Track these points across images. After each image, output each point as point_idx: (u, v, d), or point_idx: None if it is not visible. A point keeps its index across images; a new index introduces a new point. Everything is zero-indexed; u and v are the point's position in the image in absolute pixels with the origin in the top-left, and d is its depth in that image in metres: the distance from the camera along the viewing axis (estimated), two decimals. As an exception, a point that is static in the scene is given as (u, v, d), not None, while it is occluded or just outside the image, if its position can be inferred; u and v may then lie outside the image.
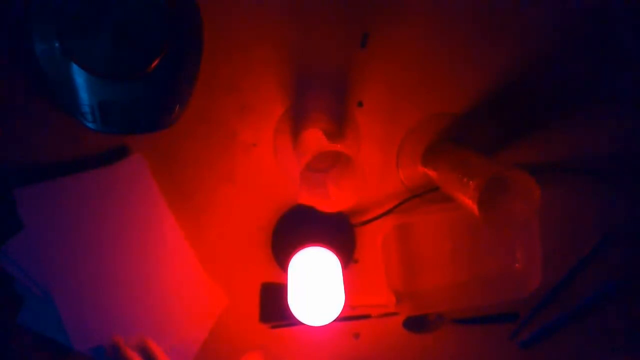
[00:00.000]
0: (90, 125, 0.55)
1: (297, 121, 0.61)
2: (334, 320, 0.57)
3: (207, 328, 0.65)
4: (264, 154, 0.62)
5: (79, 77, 0.52)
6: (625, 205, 0.67)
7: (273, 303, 0.66)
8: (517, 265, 0.68)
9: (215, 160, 0.61)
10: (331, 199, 0.54)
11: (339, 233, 0.65)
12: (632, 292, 0.70)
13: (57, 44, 0.51)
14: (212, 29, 0.57)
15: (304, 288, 0.58)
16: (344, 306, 0.57)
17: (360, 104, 0.61)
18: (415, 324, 0.69)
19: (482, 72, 0.61)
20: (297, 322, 0.57)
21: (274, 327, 0.68)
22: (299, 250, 0.60)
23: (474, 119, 0.62)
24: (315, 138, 0.56)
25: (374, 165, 0.63)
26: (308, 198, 0.52)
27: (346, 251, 0.65)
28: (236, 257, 0.65)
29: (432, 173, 0.60)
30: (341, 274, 0.60)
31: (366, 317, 0.68)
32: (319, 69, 0.60)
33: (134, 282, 0.61)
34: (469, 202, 0.48)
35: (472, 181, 0.49)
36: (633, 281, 0.69)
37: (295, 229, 0.64)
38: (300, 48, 0.59)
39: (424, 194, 0.64)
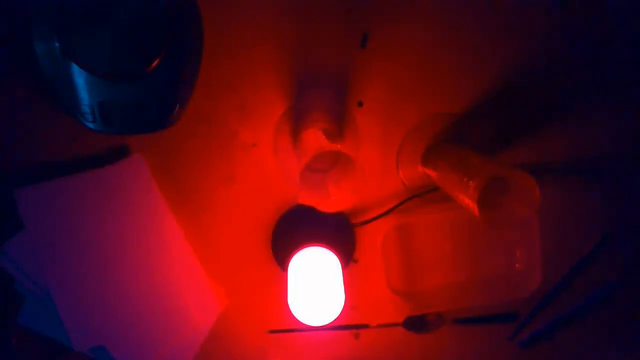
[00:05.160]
0: (90, 125, 0.55)
1: (297, 121, 0.61)
2: (332, 328, 0.57)
3: (207, 328, 0.65)
4: (264, 154, 0.62)
5: (79, 77, 0.52)
6: (625, 205, 0.67)
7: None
8: (517, 265, 0.68)
9: (215, 160, 0.61)
10: (331, 199, 0.54)
11: (339, 233, 0.65)
12: (631, 292, 0.70)
13: (57, 44, 0.51)
14: (212, 29, 0.57)
15: (304, 288, 0.58)
16: (343, 306, 0.57)
17: (360, 104, 0.61)
18: (415, 324, 0.69)
19: (482, 72, 0.61)
20: (296, 329, 0.57)
21: (272, 332, 0.68)
22: (299, 250, 0.60)
23: (474, 119, 0.62)
24: (315, 138, 0.56)
25: (374, 165, 0.63)
26: (308, 198, 0.52)
27: (346, 251, 0.65)
28: (236, 257, 0.65)
29: (432, 173, 0.60)
30: (341, 274, 0.60)
31: (364, 326, 0.68)
32: (319, 69, 0.60)
33: (134, 282, 0.61)
34: (469, 202, 0.48)
35: (472, 181, 0.49)
36: (633, 281, 0.69)
37: (295, 229, 0.64)
38: (300, 48, 0.59)
39: (424, 194, 0.64)
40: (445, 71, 0.61)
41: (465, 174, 0.51)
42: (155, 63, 0.52)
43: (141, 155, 0.60)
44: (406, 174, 0.64)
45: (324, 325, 0.57)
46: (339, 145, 0.50)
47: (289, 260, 0.60)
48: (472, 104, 0.62)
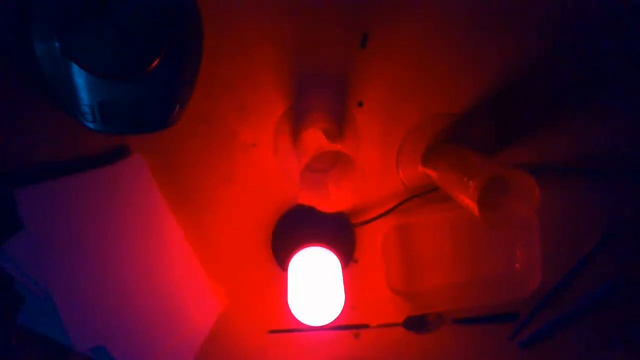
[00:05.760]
0: (90, 125, 0.55)
1: (297, 121, 0.61)
2: (332, 328, 0.57)
3: (207, 328, 0.65)
4: (264, 154, 0.62)
5: (79, 77, 0.52)
6: (625, 205, 0.67)
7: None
8: (517, 265, 0.68)
9: (215, 160, 0.61)
10: (331, 199, 0.54)
11: (339, 233, 0.65)
12: (631, 292, 0.70)
13: (57, 44, 0.51)
14: (212, 29, 0.57)
15: (304, 288, 0.58)
16: (343, 306, 0.57)
17: (360, 104, 0.61)
18: (415, 324, 0.69)
19: (482, 72, 0.61)
20: (296, 329, 0.57)
21: (272, 332, 0.68)
22: (299, 250, 0.60)
23: (474, 119, 0.62)
24: (315, 138, 0.56)
25: (374, 165, 0.63)
26: (308, 198, 0.52)
27: (346, 251, 0.65)
28: (236, 257, 0.65)
29: (432, 173, 0.60)
30: (341, 274, 0.60)
31: (364, 326, 0.68)
32: (319, 69, 0.60)
33: (134, 282, 0.61)
34: (469, 202, 0.48)
35: (472, 181, 0.49)
36: (633, 281, 0.69)
37: (295, 229, 0.64)
38: (300, 48, 0.59)
39: (424, 194, 0.64)
40: (445, 71, 0.61)
41: (465, 174, 0.51)
42: (155, 63, 0.52)
43: (141, 155, 0.60)
44: (406, 174, 0.64)
45: (324, 325, 0.57)
46: (339, 145, 0.50)
47: (289, 260, 0.60)
48: (472, 104, 0.62)
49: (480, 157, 0.54)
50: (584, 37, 0.61)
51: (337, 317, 0.57)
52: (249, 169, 0.62)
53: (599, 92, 0.63)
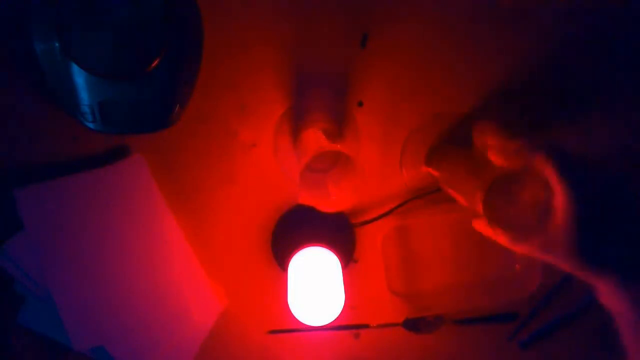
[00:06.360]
0: (90, 125, 0.55)
1: (297, 121, 0.61)
2: (332, 328, 0.57)
3: (207, 328, 0.65)
4: (264, 154, 0.62)
5: (79, 77, 0.52)
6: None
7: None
8: (517, 265, 0.68)
9: (215, 160, 0.61)
10: (331, 199, 0.54)
11: (339, 233, 0.65)
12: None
13: (57, 44, 0.51)
14: (212, 29, 0.57)
15: (304, 288, 0.58)
16: (343, 306, 0.57)
17: (360, 104, 0.61)
18: (415, 324, 0.69)
19: (483, 72, 0.61)
20: (296, 329, 0.57)
21: (272, 332, 0.68)
22: (299, 250, 0.60)
23: (477, 118, 0.62)
24: (315, 138, 0.56)
25: (374, 166, 0.63)
26: (308, 198, 0.52)
27: (346, 251, 0.65)
28: (236, 257, 0.65)
29: (435, 173, 0.60)
30: (341, 274, 0.60)
31: (364, 326, 0.68)
32: (319, 69, 0.60)
33: (134, 282, 0.61)
34: (474, 203, 0.48)
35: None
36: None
37: (295, 229, 0.64)
38: (300, 48, 0.59)
39: (425, 195, 0.64)
40: (445, 71, 0.60)
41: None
42: (155, 63, 0.52)
43: (141, 155, 0.60)
44: (410, 174, 0.64)
45: (324, 325, 0.57)
46: (339, 145, 0.50)
47: (289, 260, 0.60)
48: (472, 104, 0.62)
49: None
50: (586, 36, 0.61)
51: (337, 317, 0.57)
52: (249, 169, 0.62)
53: (600, 93, 0.63)
